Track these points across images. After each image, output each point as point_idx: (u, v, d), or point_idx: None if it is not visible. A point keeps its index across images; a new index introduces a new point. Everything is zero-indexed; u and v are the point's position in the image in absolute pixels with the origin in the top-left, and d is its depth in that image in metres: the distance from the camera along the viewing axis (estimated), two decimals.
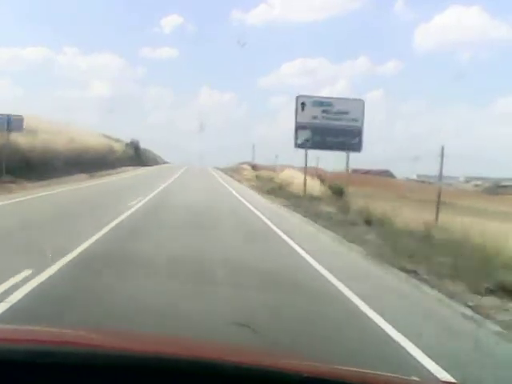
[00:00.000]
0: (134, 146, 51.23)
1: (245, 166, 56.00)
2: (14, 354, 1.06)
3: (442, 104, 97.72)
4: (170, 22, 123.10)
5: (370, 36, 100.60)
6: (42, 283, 4.84)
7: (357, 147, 17.55)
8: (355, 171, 35.02)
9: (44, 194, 15.50)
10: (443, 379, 3.03)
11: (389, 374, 1.39)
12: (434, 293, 5.89)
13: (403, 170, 37.95)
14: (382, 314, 4.65)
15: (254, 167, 52.93)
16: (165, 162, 75.59)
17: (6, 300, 4.23)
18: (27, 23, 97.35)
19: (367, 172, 41.67)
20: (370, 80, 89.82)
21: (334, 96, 19.54)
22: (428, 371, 3.39)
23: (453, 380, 3.12)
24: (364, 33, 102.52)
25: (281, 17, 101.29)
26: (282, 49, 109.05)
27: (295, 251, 8.16)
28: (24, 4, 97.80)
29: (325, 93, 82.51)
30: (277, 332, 3.97)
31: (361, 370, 1.31)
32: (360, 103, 17.91)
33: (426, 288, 6.11)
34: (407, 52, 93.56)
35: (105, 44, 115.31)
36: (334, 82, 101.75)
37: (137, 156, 50.37)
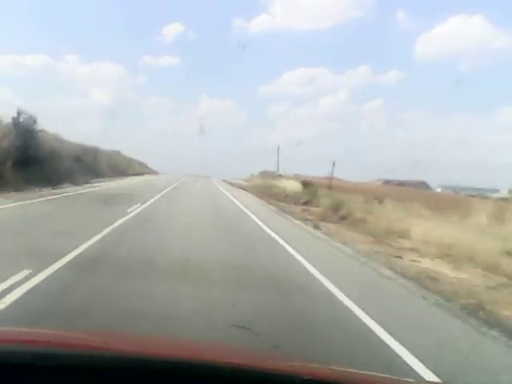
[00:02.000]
0: (21, 130, 17.86)
1: (293, 183, 29.39)
2: (15, 355, 1.04)
3: (444, 113, 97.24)
4: (172, 30, 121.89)
5: (372, 45, 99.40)
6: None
7: None
8: (387, 182, 36.46)
9: None
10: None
11: (388, 376, 1.40)
12: None
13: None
14: None
15: (308, 185, 27.26)
16: (141, 173, 50.10)
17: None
18: (27, 30, 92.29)
19: (402, 184, 37.05)
20: (371, 89, 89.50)
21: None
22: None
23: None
24: (365, 42, 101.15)
25: (282, 25, 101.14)
26: (284, 57, 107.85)
27: None
28: (24, 11, 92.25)
29: (325, 102, 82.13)
30: None
31: (360, 372, 1.31)
32: None
33: None
34: (409, 61, 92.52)
35: (106, 52, 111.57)
36: (334, 91, 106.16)
37: (24, 154, 16.94)
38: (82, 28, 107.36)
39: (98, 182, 24.89)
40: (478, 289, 6.21)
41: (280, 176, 40.48)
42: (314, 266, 6.61)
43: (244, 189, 32.43)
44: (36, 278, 4.53)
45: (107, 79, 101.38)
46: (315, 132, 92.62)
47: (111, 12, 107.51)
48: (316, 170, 52.90)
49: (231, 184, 41.08)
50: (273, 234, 9.85)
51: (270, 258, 7.26)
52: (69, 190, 17.26)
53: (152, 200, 15.54)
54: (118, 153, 46.38)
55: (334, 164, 28.86)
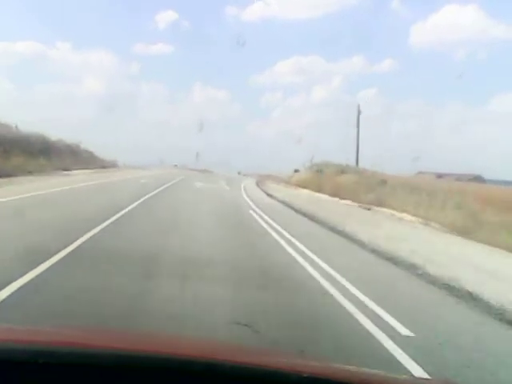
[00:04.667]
0: None
1: None
2: (16, 353, 1.03)
3: (438, 103, 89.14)
4: (165, 18, 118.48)
5: (366, 34, 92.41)
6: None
7: None
8: (440, 176, 31.29)
9: None
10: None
11: (390, 375, 1.39)
12: None
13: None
14: None
15: None
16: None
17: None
18: (18, 17, 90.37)
19: (459, 178, 30.82)
20: (365, 78, 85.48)
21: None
22: None
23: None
24: (360, 31, 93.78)
25: (277, 14, 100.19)
26: (278, 46, 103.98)
27: None
28: None
29: (319, 91, 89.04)
30: None
31: (360, 370, 1.33)
32: None
33: None
34: (403, 50, 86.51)
35: (98, 39, 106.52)
36: (329, 79, 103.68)
37: None
38: (74, 14, 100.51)
39: None
40: None
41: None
42: None
43: None
44: None
45: (100, 67, 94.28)
46: (309, 122, 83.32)
47: None
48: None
49: None
50: None
51: None
52: None
53: None
54: None
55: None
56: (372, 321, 4.09)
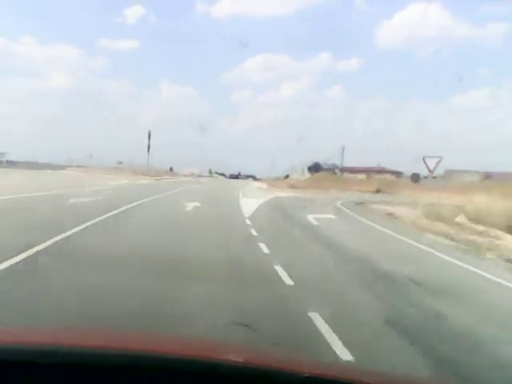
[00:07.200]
0: None
1: None
2: (15, 353, 1.05)
3: (403, 100, 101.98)
4: (133, 13, 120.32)
5: (334, 32, 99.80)
6: None
7: None
8: (488, 176, 30.77)
9: None
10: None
11: (391, 373, 1.43)
12: None
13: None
14: None
15: None
16: None
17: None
18: None
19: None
20: (332, 76, 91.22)
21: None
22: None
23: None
24: (328, 28, 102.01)
25: (246, 11, 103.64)
26: (247, 43, 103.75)
27: None
28: None
29: (287, 88, 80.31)
30: None
31: (361, 369, 1.32)
32: None
33: None
34: (370, 48, 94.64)
35: (63, 34, 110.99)
36: (296, 77, 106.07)
37: None
38: (39, 9, 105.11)
39: None
40: None
41: None
42: None
43: None
44: None
45: (65, 62, 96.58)
46: (276, 119, 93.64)
47: None
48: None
49: None
50: None
51: None
52: None
53: None
54: None
55: None
56: None
